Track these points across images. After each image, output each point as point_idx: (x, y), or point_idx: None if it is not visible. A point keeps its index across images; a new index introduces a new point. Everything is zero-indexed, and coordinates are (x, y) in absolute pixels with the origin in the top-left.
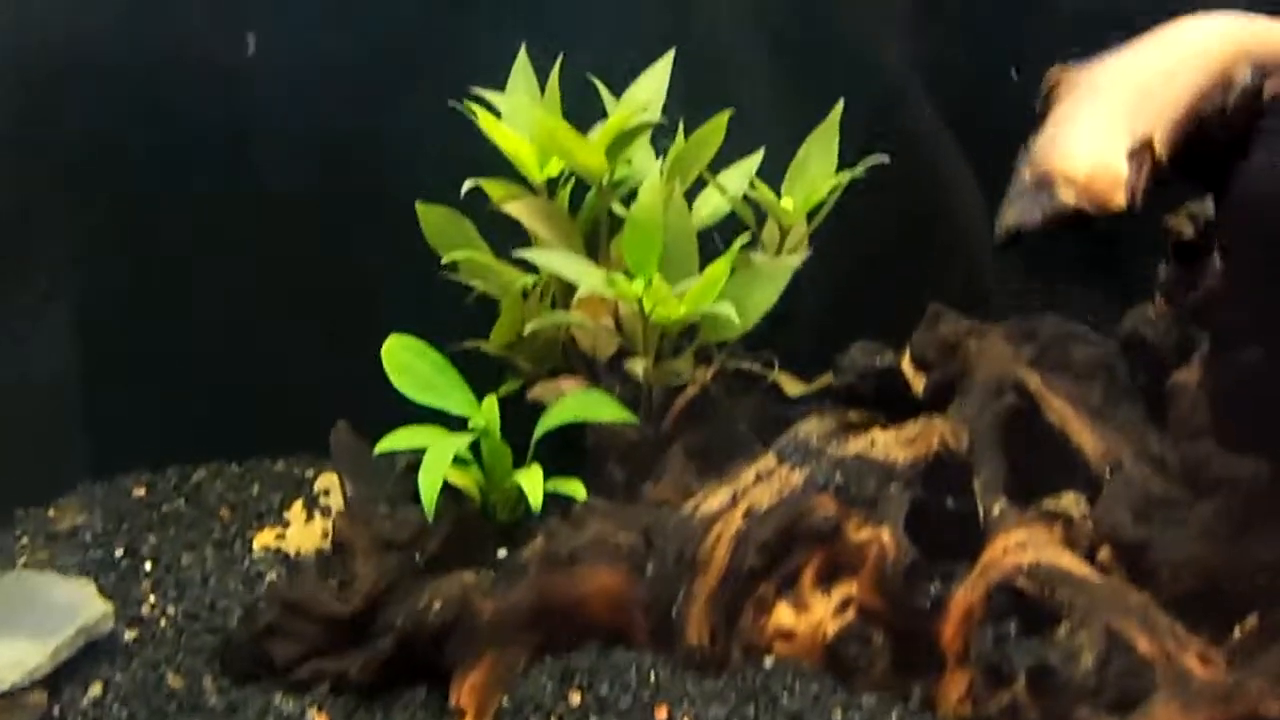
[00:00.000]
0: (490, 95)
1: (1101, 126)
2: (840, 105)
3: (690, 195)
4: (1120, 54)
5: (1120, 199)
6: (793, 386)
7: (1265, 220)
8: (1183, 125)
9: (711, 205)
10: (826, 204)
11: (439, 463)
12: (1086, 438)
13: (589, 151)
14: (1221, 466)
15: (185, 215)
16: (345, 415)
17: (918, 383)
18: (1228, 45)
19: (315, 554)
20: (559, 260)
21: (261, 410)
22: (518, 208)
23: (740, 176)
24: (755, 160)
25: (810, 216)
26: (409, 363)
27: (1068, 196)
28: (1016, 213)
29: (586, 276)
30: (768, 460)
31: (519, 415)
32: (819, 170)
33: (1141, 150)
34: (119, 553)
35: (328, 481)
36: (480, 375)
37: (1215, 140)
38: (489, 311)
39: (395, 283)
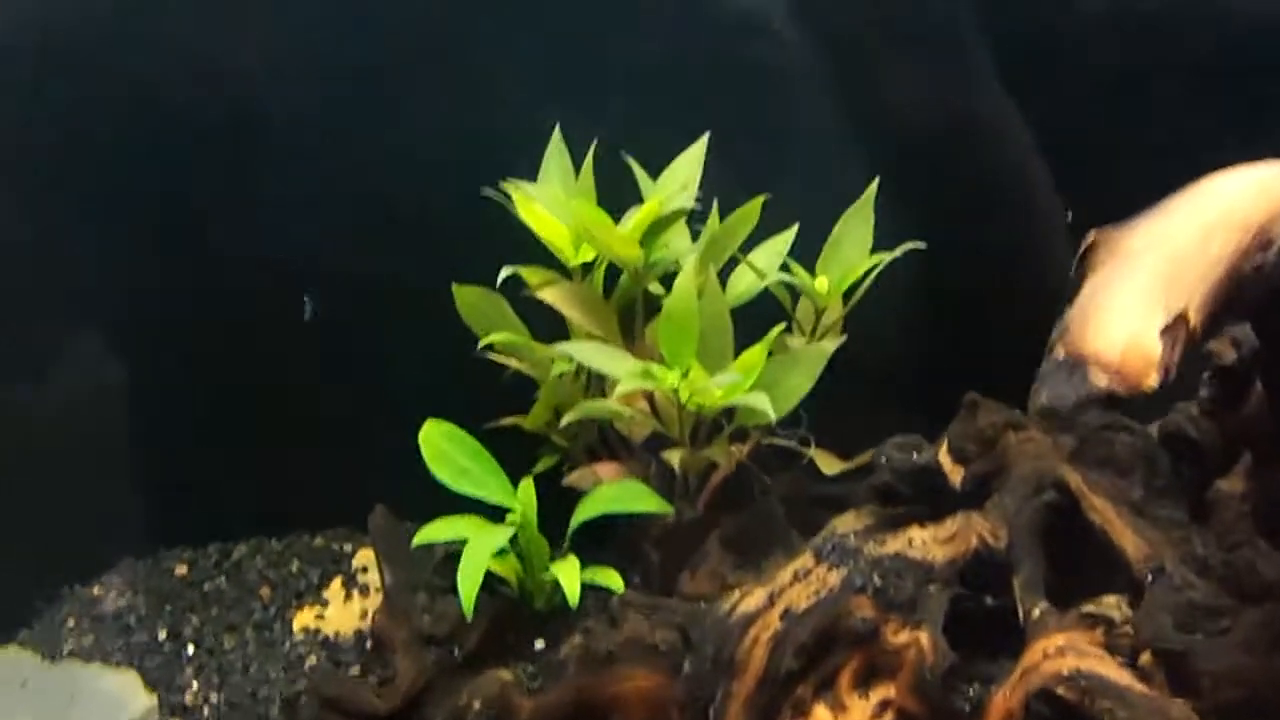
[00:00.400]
0: (523, 185)
1: (1135, 302)
2: (875, 183)
3: (728, 269)
4: (1154, 215)
5: (1152, 381)
6: (829, 465)
7: None
8: (1220, 290)
9: (745, 283)
10: (863, 284)
11: (478, 562)
12: (1128, 538)
13: (623, 243)
14: (1268, 570)
15: (224, 294)
16: (382, 488)
17: (955, 475)
18: (1263, 201)
19: (354, 635)
20: (594, 353)
21: (300, 484)
22: (553, 294)
23: (772, 256)
24: (788, 238)
25: (846, 296)
26: (446, 450)
27: (1099, 380)
28: (1050, 393)
29: (624, 371)
30: (805, 559)
31: (555, 490)
32: (854, 249)
33: (1176, 324)
34: (162, 635)
35: (366, 557)
36: (517, 449)
37: (1255, 294)
38: (525, 381)
39: (432, 355)
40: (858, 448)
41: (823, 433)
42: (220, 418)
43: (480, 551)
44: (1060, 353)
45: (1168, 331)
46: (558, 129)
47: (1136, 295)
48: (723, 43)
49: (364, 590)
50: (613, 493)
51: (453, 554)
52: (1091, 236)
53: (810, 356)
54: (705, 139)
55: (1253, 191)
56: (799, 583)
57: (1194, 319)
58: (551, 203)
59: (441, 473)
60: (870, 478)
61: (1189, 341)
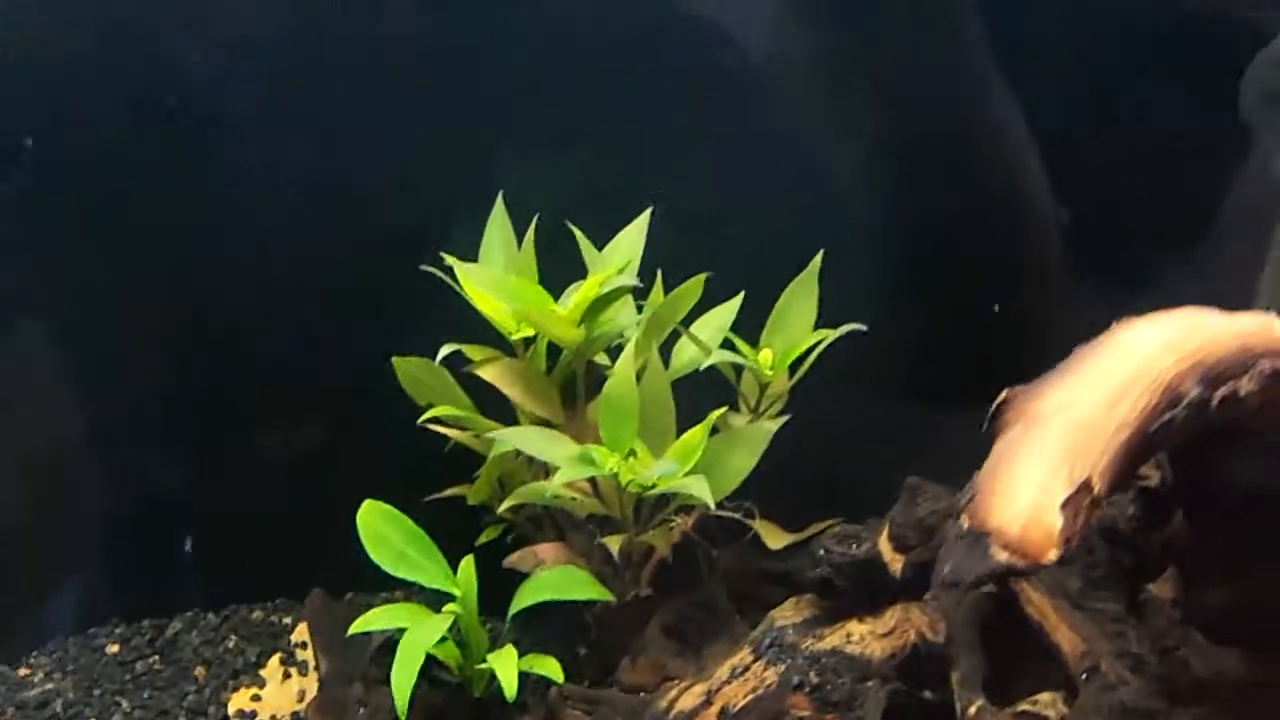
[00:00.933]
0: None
1: (1038, 471)
2: (820, 255)
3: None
4: (1063, 375)
5: (1051, 555)
6: (775, 538)
7: (1226, 499)
8: (1126, 453)
9: (689, 353)
10: (809, 358)
11: (413, 658)
12: (1064, 634)
13: (561, 325)
14: (1201, 667)
15: (167, 363)
16: (325, 554)
17: (896, 563)
18: (1173, 356)
19: (291, 718)
20: (534, 438)
21: (239, 553)
22: (493, 372)
23: (714, 329)
24: (731, 309)
25: (793, 369)
26: (384, 533)
27: (999, 555)
28: (952, 567)
29: (563, 457)
30: (743, 654)
31: (499, 560)
32: (799, 322)
33: (1079, 494)
34: None
35: (306, 632)
36: (460, 515)
37: (1167, 446)
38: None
39: (373, 420)
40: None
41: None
42: (155, 482)
43: (416, 646)
44: (965, 523)
45: (1069, 504)
46: (500, 198)
47: (1041, 463)
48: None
49: (303, 669)
50: (553, 579)
51: (390, 642)
52: (1004, 394)
53: (752, 436)
54: (646, 214)
55: (1161, 348)
56: (736, 680)
57: (1099, 486)
58: (491, 282)
59: (379, 556)
60: (810, 571)
61: (1093, 508)
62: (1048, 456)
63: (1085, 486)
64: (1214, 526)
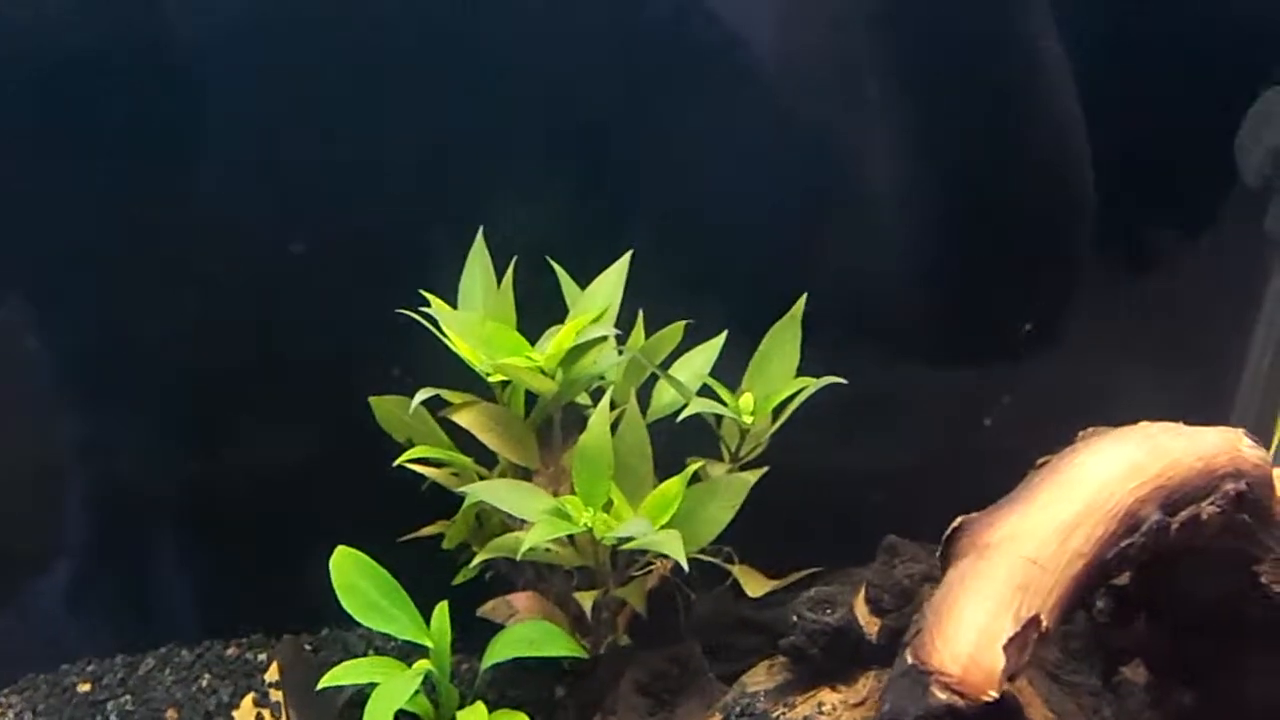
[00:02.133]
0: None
1: (985, 610)
2: (804, 299)
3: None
4: (1017, 503)
5: (992, 694)
6: (754, 585)
7: (1185, 608)
8: (1078, 584)
9: (669, 395)
10: (790, 405)
11: (382, 717)
12: (1038, 708)
13: (536, 378)
14: None
15: (142, 398)
16: (300, 590)
17: (872, 626)
18: (1132, 483)
19: None
20: (507, 493)
21: (214, 587)
22: (468, 417)
23: (694, 372)
24: (713, 350)
25: (776, 413)
26: (356, 583)
27: (940, 695)
28: (892, 705)
29: (536, 512)
30: None
31: (474, 594)
32: (780, 368)
33: (1025, 632)
34: None
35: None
36: (436, 548)
37: (1123, 571)
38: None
39: (351, 450)
40: None
41: None
42: (129, 515)
43: (386, 705)
44: (909, 657)
45: (1014, 642)
46: (481, 234)
47: (988, 600)
48: None
49: (275, 710)
50: (527, 633)
51: (360, 695)
52: (957, 522)
53: (731, 487)
54: (627, 258)
55: (1123, 473)
56: None
57: (1047, 621)
58: (467, 327)
59: (351, 605)
60: (783, 639)
61: (1040, 640)
62: (995, 592)
63: (1033, 623)
64: (1175, 633)
